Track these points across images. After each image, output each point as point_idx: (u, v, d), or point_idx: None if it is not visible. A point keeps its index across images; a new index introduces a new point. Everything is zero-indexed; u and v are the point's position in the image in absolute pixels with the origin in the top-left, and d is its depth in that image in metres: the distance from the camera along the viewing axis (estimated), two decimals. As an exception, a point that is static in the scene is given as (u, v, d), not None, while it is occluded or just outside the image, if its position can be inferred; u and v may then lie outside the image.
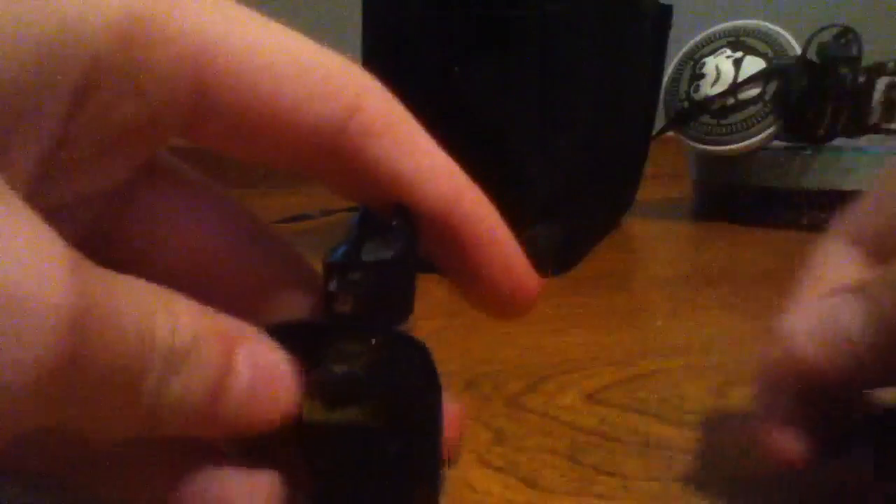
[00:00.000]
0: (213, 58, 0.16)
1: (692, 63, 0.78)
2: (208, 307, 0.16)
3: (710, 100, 0.75)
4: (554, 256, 0.53)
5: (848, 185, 0.71)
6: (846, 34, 0.71)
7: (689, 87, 0.77)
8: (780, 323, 0.21)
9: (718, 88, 0.75)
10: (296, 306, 0.20)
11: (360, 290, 0.18)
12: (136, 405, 0.14)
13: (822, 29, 0.74)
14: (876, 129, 0.72)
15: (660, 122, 0.80)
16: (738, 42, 0.79)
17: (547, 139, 0.53)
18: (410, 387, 0.18)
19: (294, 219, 0.75)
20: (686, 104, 0.77)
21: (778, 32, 0.78)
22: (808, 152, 0.75)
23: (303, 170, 0.19)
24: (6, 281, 0.12)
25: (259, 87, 0.16)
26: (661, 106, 0.79)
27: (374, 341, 0.17)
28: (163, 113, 0.16)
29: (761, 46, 0.77)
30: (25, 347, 0.12)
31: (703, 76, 0.77)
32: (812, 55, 0.73)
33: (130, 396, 0.14)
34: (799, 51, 0.74)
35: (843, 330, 0.20)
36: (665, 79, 0.78)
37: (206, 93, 0.16)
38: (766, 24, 0.79)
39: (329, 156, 0.18)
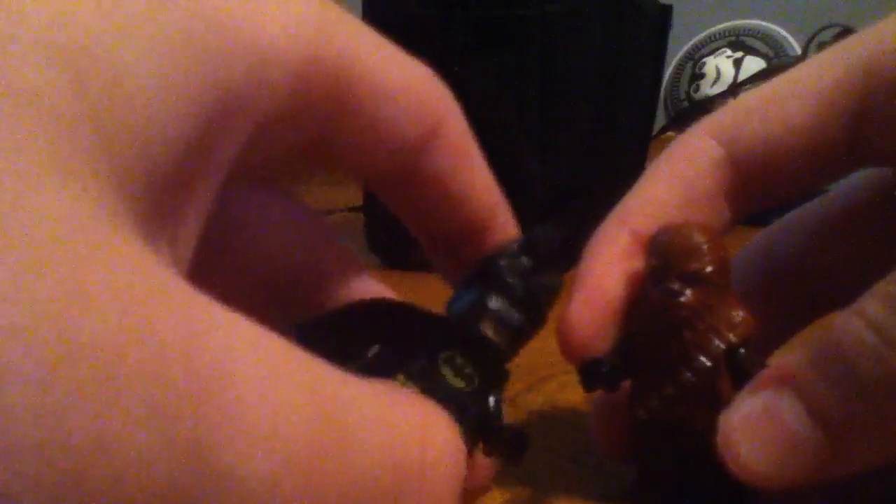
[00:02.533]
0: (351, 82, 0.16)
1: (692, 63, 0.78)
2: (403, 390, 0.15)
3: (710, 100, 0.76)
4: (554, 256, 0.53)
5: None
6: (846, 34, 0.72)
7: (689, 87, 0.77)
8: (721, 421, 0.19)
9: (718, 88, 0.75)
10: (354, 293, 0.20)
11: (514, 331, 0.19)
12: None
13: (822, 29, 0.74)
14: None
15: (660, 122, 0.80)
16: (738, 42, 0.79)
17: (547, 139, 0.53)
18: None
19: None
20: (686, 104, 0.77)
21: (778, 32, 0.78)
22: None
23: (366, 181, 0.19)
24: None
25: (368, 105, 0.16)
26: (661, 106, 0.79)
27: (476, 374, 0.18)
28: (306, 140, 0.16)
29: (761, 46, 0.77)
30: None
31: (703, 76, 0.77)
32: (812, 55, 0.73)
33: None
34: (799, 51, 0.74)
35: (791, 436, 0.17)
36: (665, 79, 0.79)
37: (338, 112, 0.16)
38: (766, 24, 0.79)
39: (399, 171, 0.18)
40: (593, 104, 0.56)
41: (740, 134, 0.22)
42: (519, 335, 0.19)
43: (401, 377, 0.17)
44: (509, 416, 0.30)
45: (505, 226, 0.21)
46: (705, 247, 0.21)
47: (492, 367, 0.19)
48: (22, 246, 0.09)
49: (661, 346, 0.21)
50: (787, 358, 0.18)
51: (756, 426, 0.18)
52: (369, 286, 0.20)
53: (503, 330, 0.19)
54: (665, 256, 0.21)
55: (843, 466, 0.17)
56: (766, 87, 0.23)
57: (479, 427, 0.18)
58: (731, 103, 0.24)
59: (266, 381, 0.11)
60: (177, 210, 0.12)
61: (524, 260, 0.19)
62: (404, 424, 0.13)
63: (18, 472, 0.09)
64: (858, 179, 0.25)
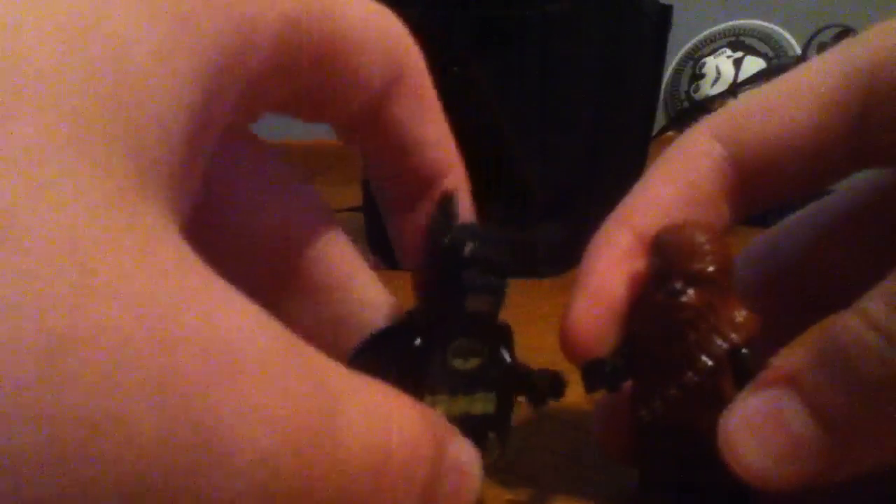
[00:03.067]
0: (332, 37, 0.16)
1: (692, 63, 0.78)
2: (417, 403, 0.15)
3: (710, 100, 0.76)
4: (554, 256, 0.53)
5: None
6: (846, 34, 0.72)
7: (689, 87, 0.77)
8: (722, 420, 0.19)
9: (718, 88, 0.75)
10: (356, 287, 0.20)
11: (495, 294, 0.20)
12: None
13: (822, 29, 0.74)
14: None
15: (660, 122, 0.80)
16: (738, 42, 0.79)
17: (547, 139, 0.53)
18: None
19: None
20: (686, 104, 0.77)
21: (778, 32, 0.78)
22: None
23: (334, 123, 0.19)
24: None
25: (345, 57, 0.17)
26: (661, 106, 0.79)
27: (486, 346, 0.20)
28: (287, 82, 0.16)
29: (761, 46, 0.77)
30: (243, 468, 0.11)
31: (703, 76, 0.77)
32: (812, 55, 0.73)
33: None
34: (799, 51, 0.74)
35: (792, 436, 0.17)
36: (665, 79, 0.79)
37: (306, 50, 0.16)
38: (766, 24, 0.80)
39: (363, 115, 0.18)
40: (593, 104, 0.56)
41: (742, 134, 0.22)
42: (497, 293, 0.20)
43: (428, 398, 0.18)
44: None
45: (457, 179, 0.21)
46: (708, 246, 0.21)
47: (492, 332, 0.20)
48: (37, 230, 0.09)
49: (664, 347, 0.21)
50: (788, 358, 0.18)
51: (758, 426, 0.18)
52: (346, 255, 0.20)
53: (485, 297, 0.19)
54: (668, 256, 0.21)
55: (845, 467, 0.17)
56: (768, 88, 0.23)
57: (507, 380, 0.20)
58: (733, 103, 0.24)
59: (273, 366, 0.11)
60: (186, 173, 0.13)
61: (471, 225, 0.20)
62: (392, 418, 0.14)
63: (20, 441, 0.09)
64: (860, 180, 0.25)
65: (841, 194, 0.26)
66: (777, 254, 0.26)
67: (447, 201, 0.19)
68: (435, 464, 0.15)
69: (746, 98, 0.23)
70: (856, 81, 0.21)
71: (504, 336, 0.20)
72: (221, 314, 0.11)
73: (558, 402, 0.20)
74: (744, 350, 0.20)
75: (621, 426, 0.23)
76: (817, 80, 0.21)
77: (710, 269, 0.20)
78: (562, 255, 0.54)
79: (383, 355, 0.19)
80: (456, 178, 0.21)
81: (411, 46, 0.19)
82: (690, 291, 0.20)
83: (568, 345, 0.23)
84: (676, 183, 0.23)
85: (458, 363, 0.19)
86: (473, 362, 0.19)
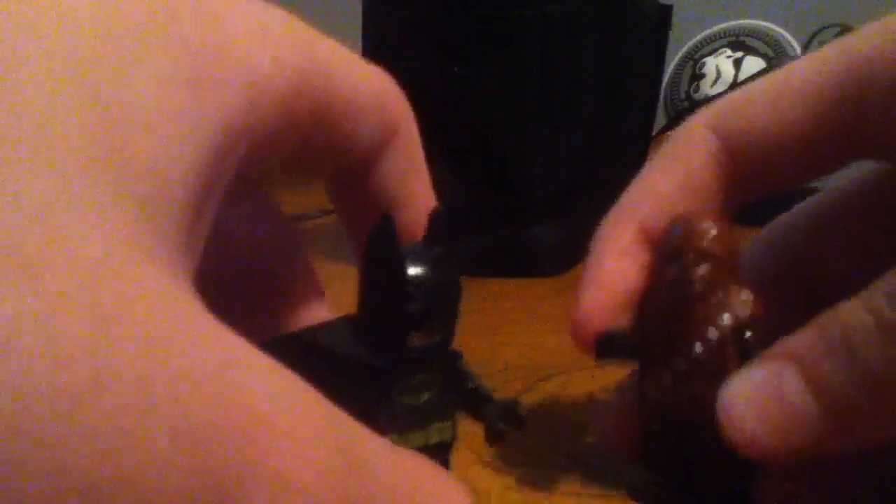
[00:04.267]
0: (331, 101, 0.16)
1: (692, 63, 0.78)
2: (418, 455, 0.15)
3: (710, 100, 0.76)
4: (554, 256, 0.53)
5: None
6: (846, 34, 0.72)
7: (689, 87, 0.77)
8: (722, 391, 0.19)
9: (718, 88, 0.75)
10: (302, 308, 0.20)
11: (445, 324, 0.19)
12: None
13: (822, 29, 0.74)
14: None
15: (660, 122, 0.80)
16: (738, 42, 0.79)
17: (547, 139, 0.53)
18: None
19: (293, 218, 0.75)
20: (686, 104, 0.77)
21: (778, 32, 0.78)
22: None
23: (326, 181, 0.19)
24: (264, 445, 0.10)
25: (342, 119, 0.17)
26: (661, 106, 0.79)
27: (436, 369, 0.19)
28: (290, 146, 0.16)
29: (761, 46, 0.77)
30: None
31: (703, 76, 0.77)
32: (812, 55, 0.73)
33: None
34: (799, 51, 0.74)
35: (790, 408, 0.18)
36: (665, 79, 0.79)
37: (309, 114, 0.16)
38: (766, 24, 0.80)
39: (353, 171, 0.19)
40: (593, 104, 0.56)
41: (737, 126, 0.23)
42: (446, 325, 0.19)
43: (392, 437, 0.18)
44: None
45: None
46: (715, 231, 0.21)
47: (446, 360, 0.19)
48: (52, 279, 0.09)
49: (674, 322, 0.21)
50: (792, 336, 0.19)
51: (757, 396, 0.18)
52: (318, 310, 0.20)
53: (432, 331, 0.19)
54: (678, 239, 0.22)
55: (839, 443, 0.18)
56: (764, 81, 0.23)
57: (466, 402, 0.19)
58: (729, 95, 0.24)
59: (299, 432, 0.11)
60: (191, 234, 0.13)
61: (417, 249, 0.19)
62: (424, 488, 0.13)
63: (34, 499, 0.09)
64: (858, 173, 0.25)
65: (838, 188, 0.26)
66: (776, 250, 0.27)
67: (386, 225, 0.19)
68: None
69: (743, 90, 0.24)
70: (852, 75, 0.21)
71: (456, 362, 0.20)
72: (239, 369, 0.11)
73: (520, 428, 0.20)
74: (748, 333, 0.20)
75: (626, 421, 0.23)
76: (813, 74, 0.22)
77: (719, 249, 0.21)
78: (562, 255, 0.54)
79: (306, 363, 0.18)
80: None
81: (405, 108, 0.19)
82: (703, 265, 0.21)
83: (578, 334, 0.23)
84: (676, 174, 0.23)
85: (407, 399, 0.19)
86: (425, 396, 0.19)
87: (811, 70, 0.22)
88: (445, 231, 0.19)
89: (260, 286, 0.20)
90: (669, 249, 0.22)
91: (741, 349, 0.20)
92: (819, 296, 0.25)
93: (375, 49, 0.55)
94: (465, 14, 0.52)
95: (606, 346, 0.23)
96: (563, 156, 0.54)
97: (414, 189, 0.20)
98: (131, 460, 0.09)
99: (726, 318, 0.20)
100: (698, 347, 0.21)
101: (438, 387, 0.19)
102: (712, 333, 0.21)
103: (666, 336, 0.22)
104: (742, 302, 0.21)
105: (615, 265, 0.23)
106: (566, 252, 0.55)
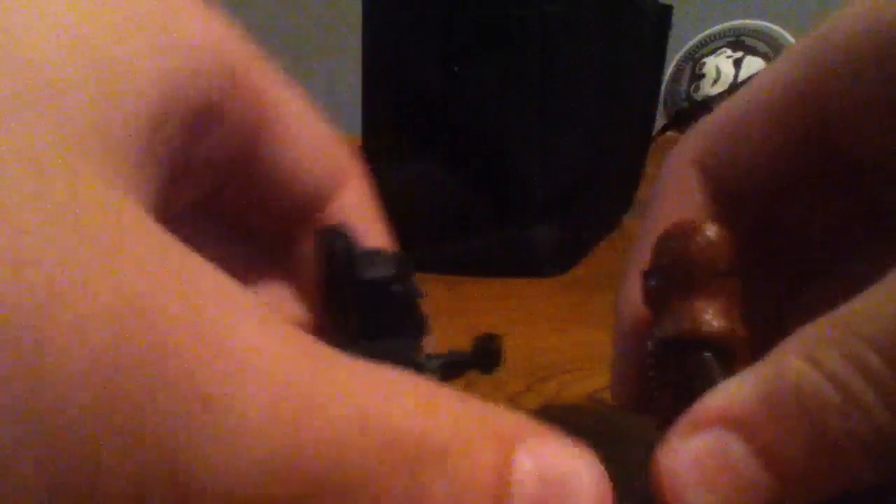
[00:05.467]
0: (273, 121, 0.18)
1: (692, 63, 0.78)
2: (469, 397, 0.13)
3: (710, 100, 0.76)
4: (554, 256, 0.53)
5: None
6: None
7: (689, 87, 0.77)
8: (662, 459, 0.18)
9: (718, 88, 0.75)
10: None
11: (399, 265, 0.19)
12: None
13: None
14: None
15: (660, 122, 0.80)
16: (738, 42, 0.79)
17: (547, 139, 0.53)
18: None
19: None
20: (686, 104, 0.77)
21: (778, 32, 0.78)
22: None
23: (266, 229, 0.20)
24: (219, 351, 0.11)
25: (282, 143, 0.18)
26: (661, 106, 0.79)
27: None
28: (232, 157, 0.18)
29: (761, 46, 0.77)
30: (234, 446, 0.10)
31: (703, 76, 0.77)
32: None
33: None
34: (799, 51, 0.74)
35: (737, 478, 0.17)
36: (665, 79, 0.79)
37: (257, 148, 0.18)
38: (766, 24, 0.80)
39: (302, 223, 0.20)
40: (593, 104, 0.56)
41: (712, 159, 0.22)
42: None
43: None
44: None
45: None
46: (713, 237, 0.20)
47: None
48: (11, 210, 0.10)
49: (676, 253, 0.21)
50: (731, 394, 0.17)
51: (704, 468, 0.17)
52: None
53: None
54: (668, 246, 0.21)
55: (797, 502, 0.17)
56: (732, 102, 0.23)
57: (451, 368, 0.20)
58: (704, 122, 0.23)
59: (263, 333, 0.11)
60: (146, 164, 0.14)
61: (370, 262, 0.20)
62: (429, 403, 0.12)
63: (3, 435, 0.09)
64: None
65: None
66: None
67: (332, 235, 0.19)
68: (502, 474, 0.12)
69: (714, 116, 0.23)
70: (809, 86, 0.20)
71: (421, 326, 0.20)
72: (205, 299, 0.11)
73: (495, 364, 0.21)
74: (702, 352, 0.20)
75: (635, 375, 0.23)
76: (772, 91, 0.21)
77: (696, 260, 0.20)
78: (562, 255, 0.54)
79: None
80: None
81: (354, 158, 0.20)
82: (653, 277, 0.21)
83: (615, 397, 0.24)
84: (676, 216, 0.23)
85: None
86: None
87: (767, 87, 0.22)
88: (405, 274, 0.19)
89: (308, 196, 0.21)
90: (663, 252, 0.21)
91: (693, 368, 0.20)
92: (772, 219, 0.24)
93: (375, 49, 0.55)
94: (465, 14, 0.52)
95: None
96: (563, 156, 0.54)
97: (367, 238, 0.20)
98: (109, 397, 0.10)
99: (661, 332, 0.20)
100: (695, 242, 0.20)
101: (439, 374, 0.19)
102: (649, 346, 0.21)
103: (671, 276, 0.21)
104: (681, 314, 0.20)
105: (633, 334, 0.23)
106: (566, 252, 0.55)
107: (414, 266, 0.19)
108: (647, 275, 0.22)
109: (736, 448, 0.17)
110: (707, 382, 0.19)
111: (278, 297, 0.21)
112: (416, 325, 0.19)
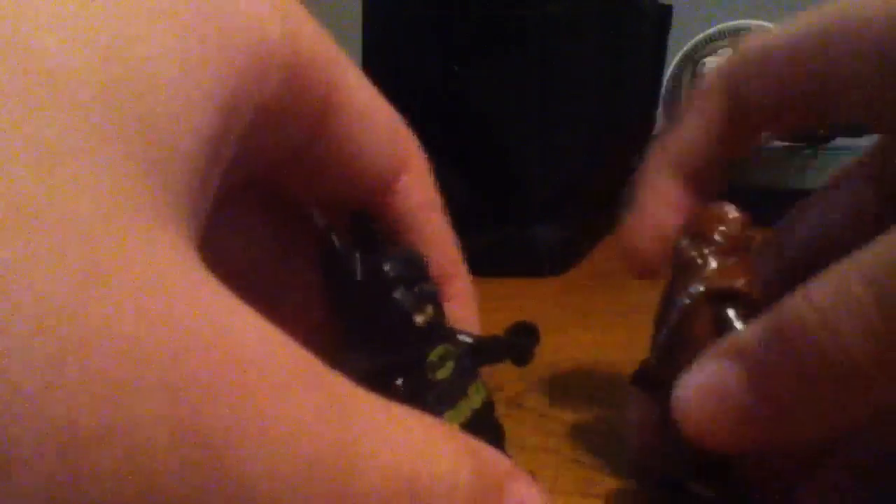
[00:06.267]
0: (333, 98, 0.17)
1: (692, 63, 0.78)
2: (466, 437, 0.14)
3: (710, 100, 0.75)
4: (554, 256, 0.53)
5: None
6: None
7: (690, 87, 0.77)
8: (675, 391, 0.19)
9: (718, 88, 0.75)
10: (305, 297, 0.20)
11: (433, 299, 0.19)
12: None
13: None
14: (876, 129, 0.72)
15: (660, 122, 0.80)
16: (739, 42, 0.79)
17: (547, 139, 0.53)
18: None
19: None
20: (686, 104, 0.77)
21: (778, 32, 0.78)
22: (808, 152, 0.75)
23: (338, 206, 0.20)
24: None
25: (348, 126, 0.17)
26: (660, 106, 0.79)
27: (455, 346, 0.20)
28: (292, 146, 0.17)
29: (761, 46, 0.77)
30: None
31: (703, 76, 0.77)
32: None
33: None
34: (799, 51, 0.74)
35: (734, 405, 0.18)
36: (665, 79, 0.79)
37: (321, 134, 0.17)
38: (767, 24, 0.79)
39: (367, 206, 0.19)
40: (593, 104, 0.56)
41: (737, 79, 0.25)
42: (433, 296, 0.20)
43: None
44: (510, 416, 0.30)
45: (457, 277, 0.21)
46: (731, 215, 0.23)
47: (443, 330, 0.20)
48: (44, 232, 0.09)
49: (667, 288, 0.23)
50: (743, 330, 0.19)
51: (704, 393, 0.19)
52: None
53: (425, 307, 0.19)
54: (697, 223, 0.23)
55: (787, 437, 0.18)
56: (768, 34, 0.25)
57: (483, 357, 0.20)
58: (740, 51, 0.26)
59: (288, 381, 0.11)
60: (196, 198, 0.13)
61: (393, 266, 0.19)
62: (409, 441, 0.13)
63: (21, 461, 0.09)
64: (855, 165, 0.27)
65: (839, 180, 0.27)
66: (785, 249, 0.27)
67: (360, 225, 0.19)
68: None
69: (753, 41, 0.26)
70: (834, 30, 0.22)
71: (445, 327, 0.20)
72: (232, 324, 0.11)
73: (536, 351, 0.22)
74: (729, 309, 0.21)
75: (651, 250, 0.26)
76: (802, 31, 0.24)
77: (717, 233, 0.22)
78: (562, 255, 0.54)
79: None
80: (461, 279, 0.21)
81: (416, 146, 0.20)
82: (685, 241, 0.22)
83: (630, 259, 0.26)
84: (699, 128, 0.26)
85: (440, 374, 0.19)
86: (450, 365, 0.19)
87: (806, 26, 0.24)
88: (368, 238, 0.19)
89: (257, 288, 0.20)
90: (688, 230, 0.23)
91: (716, 317, 0.21)
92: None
93: (375, 49, 0.55)
94: (465, 14, 0.52)
95: (639, 378, 0.24)
96: (563, 156, 0.54)
97: (430, 232, 0.20)
98: (117, 413, 0.09)
99: (697, 287, 0.21)
100: (672, 314, 0.21)
101: (454, 353, 0.19)
102: (681, 300, 0.21)
103: (661, 307, 0.23)
104: (722, 273, 0.21)
105: (658, 209, 0.26)
106: (566, 252, 0.55)
107: (425, 268, 0.19)
108: (679, 240, 0.23)
109: (734, 377, 0.18)
110: (732, 329, 0.20)
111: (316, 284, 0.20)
112: (411, 329, 0.19)
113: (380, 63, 0.54)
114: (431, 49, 0.52)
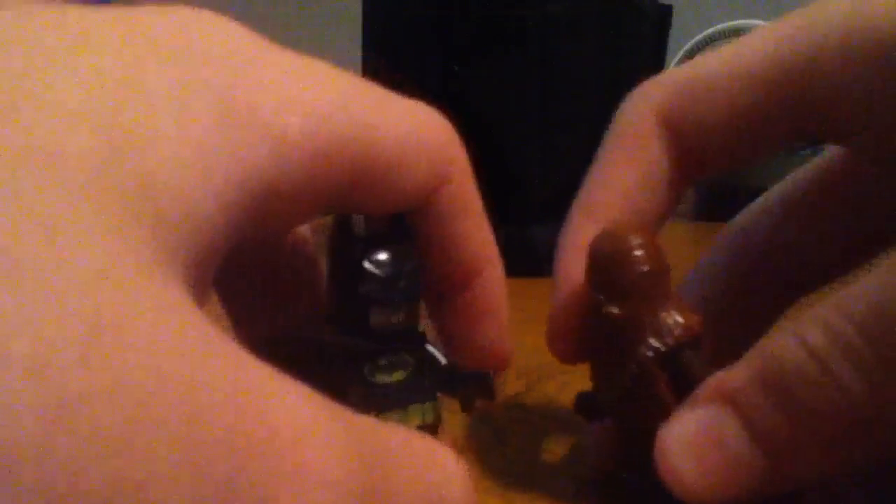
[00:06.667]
0: (371, 154, 0.16)
1: (692, 63, 0.78)
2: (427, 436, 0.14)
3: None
4: (554, 256, 0.53)
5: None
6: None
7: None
8: (660, 438, 0.18)
9: (718, 88, 0.75)
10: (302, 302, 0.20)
11: (405, 302, 0.19)
12: None
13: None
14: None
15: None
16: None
17: (547, 139, 0.53)
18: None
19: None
20: (686, 104, 0.77)
21: (778, 32, 0.78)
22: (808, 152, 0.75)
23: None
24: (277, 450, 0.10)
25: (386, 170, 0.17)
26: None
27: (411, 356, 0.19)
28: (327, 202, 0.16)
29: (761, 46, 0.77)
30: None
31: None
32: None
33: None
34: (799, 51, 0.74)
35: (731, 455, 0.17)
36: (665, 79, 0.78)
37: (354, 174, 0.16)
38: (766, 24, 0.79)
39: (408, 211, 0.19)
40: (593, 104, 0.56)
41: (686, 116, 0.23)
42: (405, 305, 0.19)
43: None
44: (510, 416, 0.30)
45: (494, 278, 0.21)
46: (639, 253, 0.21)
47: (415, 342, 0.20)
48: (48, 286, 0.09)
49: (606, 349, 0.21)
50: (728, 372, 0.18)
51: (696, 445, 0.18)
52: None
53: (392, 310, 0.19)
54: (599, 267, 0.21)
55: (781, 485, 0.17)
56: (707, 62, 0.23)
57: (440, 380, 0.20)
58: (674, 75, 0.24)
59: (315, 433, 0.11)
60: (209, 271, 0.13)
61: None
62: (442, 466, 0.13)
63: None
64: (818, 160, 0.26)
65: (802, 173, 0.26)
66: (747, 239, 0.27)
67: (343, 218, 0.19)
68: None
69: (689, 69, 0.23)
70: (794, 59, 0.21)
71: (424, 342, 0.20)
72: (249, 385, 0.10)
73: (490, 398, 0.21)
74: (682, 353, 0.20)
75: (573, 330, 0.23)
76: (753, 58, 0.22)
77: (638, 277, 0.20)
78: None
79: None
80: (494, 276, 0.21)
81: (457, 153, 0.19)
82: (614, 307, 0.21)
83: (551, 347, 0.23)
84: (634, 169, 0.24)
85: (380, 378, 0.19)
86: (398, 376, 0.19)
87: (749, 54, 0.22)
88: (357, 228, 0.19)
89: (263, 289, 0.20)
90: (595, 278, 0.22)
91: (672, 374, 0.20)
92: (791, 282, 0.26)
93: (375, 49, 0.55)
94: (465, 14, 0.52)
95: (582, 406, 0.23)
96: (563, 156, 0.54)
97: (469, 230, 0.20)
98: (131, 471, 0.09)
99: (646, 352, 0.20)
100: (624, 380, 0.20)
101: (412, 368, 0.19)
102: (632, 368, 0.20)
103: (603, 363, 0.22)
104: (669, 328, 0.20)
105: (578, 271, 0.23)
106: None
107: (416, 265, 0.19)
108: (591, 291, 0.22)
109: (727, 424, 0.17)
110: (701, 372, 0.19)
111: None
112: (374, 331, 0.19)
113: (380, 63, 0.54)
114: (431, 49, 0.52)
